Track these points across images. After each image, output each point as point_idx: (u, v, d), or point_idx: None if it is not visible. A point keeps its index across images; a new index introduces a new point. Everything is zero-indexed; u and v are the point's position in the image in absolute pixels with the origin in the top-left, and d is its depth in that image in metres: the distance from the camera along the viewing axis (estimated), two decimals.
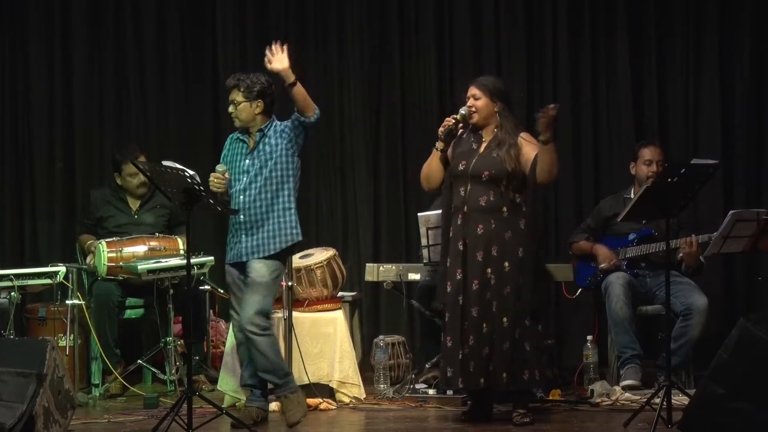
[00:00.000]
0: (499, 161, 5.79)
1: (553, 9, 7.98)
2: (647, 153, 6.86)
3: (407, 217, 7.93)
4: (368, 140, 8.10)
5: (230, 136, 6.09)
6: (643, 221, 6.76)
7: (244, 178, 5.90)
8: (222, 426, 5.87)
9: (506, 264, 5.77)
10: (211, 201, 5.70)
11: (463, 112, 5.90)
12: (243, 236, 5.88)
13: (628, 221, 6.34)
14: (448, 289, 5.82)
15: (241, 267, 5.90)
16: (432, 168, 5.96)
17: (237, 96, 5.91)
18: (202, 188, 5.56)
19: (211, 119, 8.15)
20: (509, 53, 8.01)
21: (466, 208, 5.82)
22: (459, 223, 5.83)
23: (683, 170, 5.59)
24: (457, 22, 8.04)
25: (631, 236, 6.82)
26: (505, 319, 5.74)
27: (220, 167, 5.89)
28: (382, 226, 8.08)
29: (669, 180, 5.56)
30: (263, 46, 8.04)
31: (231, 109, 5.94)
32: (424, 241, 6.66)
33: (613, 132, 7.93)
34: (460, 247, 5.80)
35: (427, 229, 6.61)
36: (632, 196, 6.70)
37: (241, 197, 5.88)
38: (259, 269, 5.84)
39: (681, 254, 6.65)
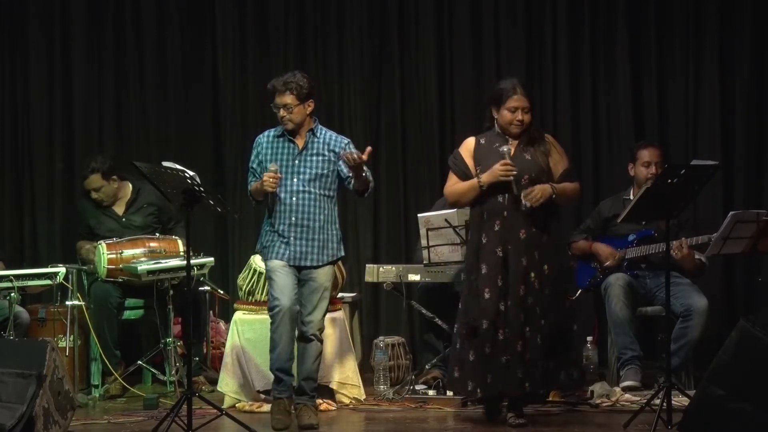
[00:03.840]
0: (534, 163, 5.74)
1: (553, 9, 7.98)
2: (646, 154, 6.85)
3: (407, 217, 7.93)
4: (368, 140, 8.08)
5: (264, 135, 6.01)
6: (643, 222, 6.75)
7: (295, 180, 5.88)
8: (222, 427, 5.87)
9: (546, 267, 5.74)
10: (212, 201, 5.70)
11: (505, 150, 5.75)
12: (294, 238, 5.87)
13: (627, 222, 6.33)
14: (486, 296, 5.69)
15: (292, 268, 5.91)
16: (467, 197, 5.81)
17: (289, 99, 5.86)
18: (202, 189, 5.55)
19: (211, 119, 8.16)
20: (509, 53, 8.01)
21: (506, 213, 5.73)
22: (497, 229, 5.72)
23: (683, 171, 5.58)
24: (457, 22, 8.04)
25: (631, 237, 6.81)
26: (543, 322, 5.71)
27: (272, 166, 5.82)
28: (382, 226, 8.08)
29: (669, 181, 5.55)
30: (263, 47, 8.15)
31: (283, 113, 5.87)
32: (423, 242, 6.66)
33: (613, 132, 7.93)
34: (500, 254, 5.69)
35: (427, 230, 6.61)
36: (631, 197, 6.70)
37: (294, 199, 5.87)
38: (326, 274, 5.92)
39: (675, 257, 6.63)
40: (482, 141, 5.87)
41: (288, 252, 5.88)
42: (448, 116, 8.07)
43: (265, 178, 5.80)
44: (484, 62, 8.02)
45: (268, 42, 8.16)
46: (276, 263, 5.91)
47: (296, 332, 5.93)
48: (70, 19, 8.08)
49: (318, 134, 5.97)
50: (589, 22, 7.97)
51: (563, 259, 6.20)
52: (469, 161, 5.86)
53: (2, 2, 8.05)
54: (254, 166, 6.01)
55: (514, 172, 5.67)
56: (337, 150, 5.92)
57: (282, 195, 5.87)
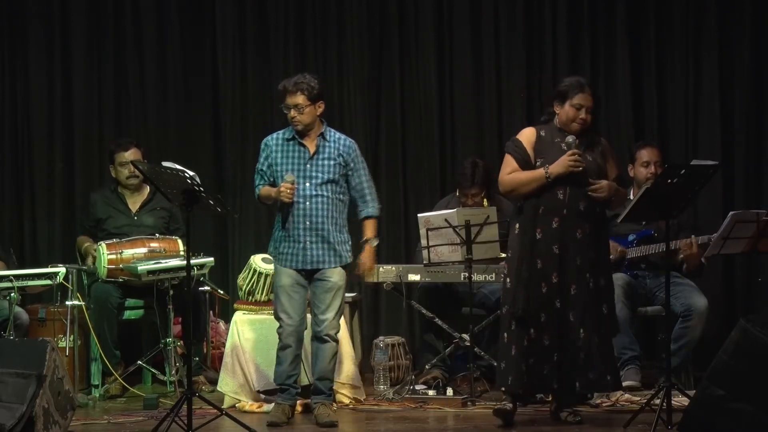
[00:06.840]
0: (595, 164, 5.71)
1: (553, 9, 7.97)
2: (645, 154, 6.87)
3: (407, 217, 7.93)
4: (368, 140, 8.09)
5: (273, 137, 6.02)
6: (643, 222, 6.76)
7: (308, 184, 5.89)
8: (222, 427, 5.87)
9: (602, 268, 5.75)
10: (211, 201, 5.69)
11: (571, 140, 5.70)
12: (309, 242, 5.88)
13: (627, 222, 6.32)
14: (543, 290, 5.64)
15: (306, 272, 5.93)
16: (529, 188, 5.66)
17: (300, 99, 5.88)
18: (201, 189, 5.55)
19: (211, 119, 8.15)
20: (509, 53, 8.01)
21: (565, 211, 5.67)
22: (555, 226, 5.65)
23: (683, 171, 5.58)
24: (457, 22, 8.04)
25: (631, 237, 6.81)
26: (594, 323, 5.69)
27: (289, 177, 5.84)
28: (382, 226, 8.03)
29: (669, 181, 5.55)
30: (263, 46, 8.14)
31: (293, 113, 5.88)
32: (423, 242, 6.66)
33: (613, 132, 7.91)
34: (556, 251, 5.64)
35: (427, 230, 6.61)
36: (631, 197, 6.69)
37: (308, 203, 5.88)
38: (340, 274, 5.94)
39: (682, 255, 6.65)
40: (542, 133, 5.77)
41: (304, 257, 5.91)
42: (447, 116, 8.06)
43: (282, 189, 5.81)
44: (484, 62, 8.02)
45: (268, 42, 8.16)
46: (285, 280, 5.92)
47: (302, 347, 6.03)
48: (70, 19, 8.07)
49: (328, 138, 5.98)
50: (589, 22, 7.97)
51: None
52: (530, 151, 5.73)
53: (2, 2, 8.04)
54: (263, 168, 6.00)
55: (583, 165, 5.63)
56: (345, 156, 5.96)
57: (295, 199, 5.87)
